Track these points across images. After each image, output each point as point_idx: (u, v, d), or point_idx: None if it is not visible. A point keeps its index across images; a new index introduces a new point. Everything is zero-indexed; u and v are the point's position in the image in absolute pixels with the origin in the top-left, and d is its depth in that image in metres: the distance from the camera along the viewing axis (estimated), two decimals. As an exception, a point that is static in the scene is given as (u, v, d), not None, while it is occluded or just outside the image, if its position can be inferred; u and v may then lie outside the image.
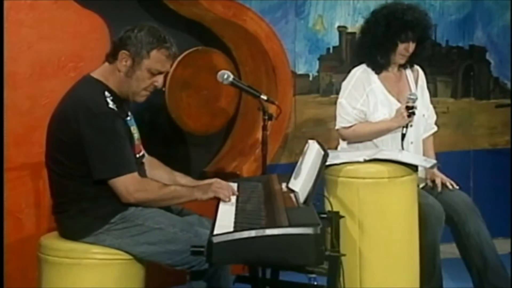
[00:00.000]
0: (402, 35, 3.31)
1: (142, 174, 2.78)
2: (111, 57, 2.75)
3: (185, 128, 3.97)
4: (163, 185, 2.74)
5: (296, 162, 2.86)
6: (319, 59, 4.36)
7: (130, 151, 2.69)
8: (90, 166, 2.63)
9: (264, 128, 3.19)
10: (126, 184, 2.62)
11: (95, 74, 2.77)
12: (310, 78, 4.37)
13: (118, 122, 2.67)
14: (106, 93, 2.69)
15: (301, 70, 4.32)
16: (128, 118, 2.80)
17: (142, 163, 2.87)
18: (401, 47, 3.34)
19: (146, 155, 2.95)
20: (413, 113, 3.28)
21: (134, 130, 2.81)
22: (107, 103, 2.66)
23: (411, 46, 3.35)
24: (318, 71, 4.37)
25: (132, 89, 2.74)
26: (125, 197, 2.63)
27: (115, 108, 2.68)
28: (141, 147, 2.87)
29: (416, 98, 3.31)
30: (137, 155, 2.79)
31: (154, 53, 2.71)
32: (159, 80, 2.75)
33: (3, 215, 3.20)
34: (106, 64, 2.77)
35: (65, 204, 2.72)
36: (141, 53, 2.70)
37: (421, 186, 3.38)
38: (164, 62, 2.74)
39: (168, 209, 2.84)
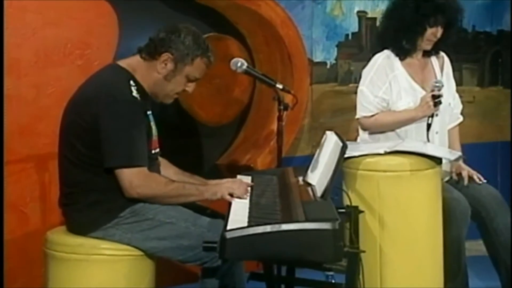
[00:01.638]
0: (431, 19, 3.30)
1: (154, 172, 2.79)
2: (147, 54, 2.78)
3: (197, 119, 3.99)
4: (170, 180, 2.76)
5: (313, 155, 2.87)
6: (337, 46, 4.36)
7: (144, 144, 2.71)
8: (102, 153, 2.65)
9: (280, 118, 3.19)
10: (131, 177, 2.65)
11: (123, 63, 2.80)
12: (328, 66, 4.37)
13: (139, 112, 2.69)
14: (131, 82, 2.73)
15: (318, 58, 4.32)
16: (149, 113, 2.82)
17: (157, 160, 2.89)
18: (429, 31, 3.33)
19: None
20: (440, 102, 3.27)
21: (153, 126, 2.83)
22: (131, 91, 2.69)
23: (439, 31, 3.34)
24: (336, 59, 4.37)
25: (166, 92, 2.80)
26: (127, 190, 2.66)
27: (138, 98, 2.71)
28: (157, 144, 2.89)
29: (442, 86, 3.30)
30: (153, 151, 2.82)
31: (197, 61, 2.78)
32: (191, 86, 2.84)
33: (2, 208, 3.22)
34: (138, 57, 2.80)
35: (74, 196, 2.75)
36: (185, 59, 2.76)
37: (445, 179, 3.38)
38: (204, 70, 2.83)
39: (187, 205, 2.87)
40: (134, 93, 2.70)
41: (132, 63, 2.80)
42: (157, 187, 2.70)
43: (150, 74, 2.77)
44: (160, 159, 2.99)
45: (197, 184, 2.83)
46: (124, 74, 2.75)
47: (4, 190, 3.26)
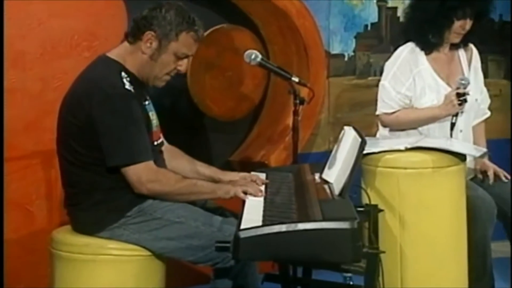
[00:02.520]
0: (459, 12, 3.25)
1: (160, 163, 2.79)
2: (132, 37, 2.76)
3: (209, 113, 3.98)
4: (181, 177, 2.74)
5: (330, 151, 2.86)
6: (355, 37, 4.34)
7: (146, 138, 2.70)
8: (103, 152, 2.65)
9: (295, 113, 3.19)
10: (138, 173, 2.63)
11: (112, 54, 2.78)
12: (346, 58, 4.35)
13: (135, 104, 2.68)
14: (123, 74, 2.71)
15: (335, 50, 4.30)
16: (146, 102, 2.81)
17: (161, 152, 2.88)
18: (457, 24, 3.28)
19: (166, 143, 2.97)
20: (465, 101, 3.23)
21: (153, 116, 2.82)
22: (123, 84, 2.67)
23: (468, 24, 3.30)
24: (354, 51, 4.35)
25: (155, 73, 2.76)
26: (137, 187, 2.65)
27: (132, 90, 2.69)
28: (160, 134, 2.88)
29: (468, 83, 3.26)
30: (155, 143, 2.80)
31: (183, 35, 2.72)
32: (183, 64, 2.77)
33: (2, 207, 3.23)
34: (125, 44, 2.79)
35: (78, 196, 2.75)
36: (169, 35, 2.71)
37: (469, 177, 3.35)
38: (192, 45, 2.76)
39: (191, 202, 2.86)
40: (127, 86, 2.68)
41: (121, 52, 2.77)
42: (167, 183, 2.68)
43: (137, 57, 2.74)
44: (171, 148, 2.99)
45: (209, 182, 2.82)
46: (114, 66, 2.73)
47: (6, 188, 3.27)
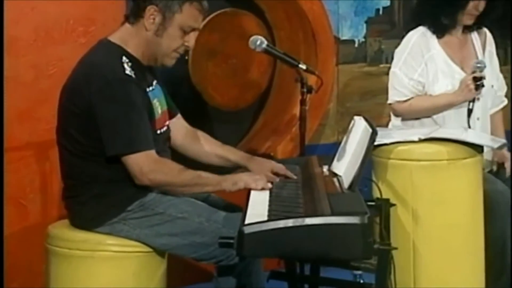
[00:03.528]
0: None
1: (165, 153, 2.81)
2: (133, 16, 2.76)
3: (211, 103, 4.00)
4: (184, 168, 2.75)
5: (339, 142, 2.87)
6: (366, 22, 4.34)
7: (147, 126, 2.71)
8: (102, 141, 2.66)
9: (303, 102, 3.20)
10: (139, 163, 2.64)
11: (113, 38, 2.79)
12: (356, 45, 4.35)
13: (135, 91, 2.69)
14: (124, 58, 2.72)
15: (345, 35, 4.31)
16: (151, 88, 2.82)
17: (168, 140, 2.88)
18: (470, 4, 3.30)
19: (187, 125, 2.98)
20: (482, 85, 3.25)
21: (157, 102, 2.83)
22: (124, 69, 2.69)
23: (481, 4, 3.31)
24: (365, 36, 4.36)
25: (163, 50, 2.76)
26: (138, 177, 2.66)
27: (133, 75, 2.70)
28: (166, 121, 2.88)
29: (485, 66, 3.27)
30: (158, 131, 2.81)
31: (186, 6, 2.72)
32: (190, 39, 2.77)
33: (2, 205, 3.25)
34: (126, 25, 2.79)
35: (77, 188, 2.76)
36: (172, 7, 2.71)
37: (487, 170, 3.37)
38: (197, 17, 2.75)
39: (193, 196, 2.88)
40: (128, 71, 2.69)
41: (123, 34, 2.78)
42: (170, 173, 2.69)
43: (141, 36, 2.74)
44: (193, 131, 3.01)
45: (214, 174, 2.83)
46: (115, 50, 2.74)
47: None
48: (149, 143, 2.69)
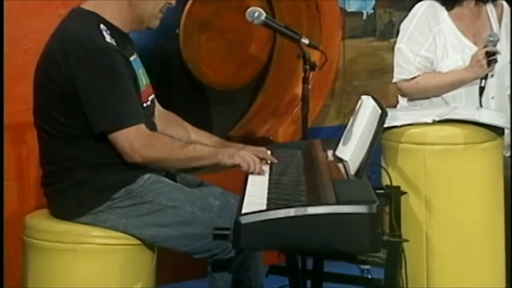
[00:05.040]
0: None
1: (151, 126, 2.82)
2: None
3: (205, 81, 4.00)
4: (177, 141, 2.78)
5: (346, 124, 2.88)
6: (375, -9, 4.35)
7: (135, 98, 2.73)
8: (88, 119, 2.67)
9: (305, 80, 3.20)
10: (130, 138, 2.66)
11: (87, 6, 2.80)
12: (364, 17, 4.35)
13: (119, 59, 2.70)
14: (102, 26, 2.73)
15: (352, 7, 4.31)
16: (133, 58, 2.83)
17: (152, 114, 2.90)
18: None
19: (159, 107, 2.99)
20: (495, 61, 3.26)
21: (141, 73, 2.85)
22: (104, 37, 2.70)
23: None
24: (374, 8, 4.36)
25: (149, 10, 2.79)
26: (129, 154, 2.68)
27: (114, 44, 2.72)
28: (151, 94, 2.90)
29: (498, 40, 3.28)
30: (144, 104, 2.83)
31: None
32: None
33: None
34: None
35: (58, 174, 2.77)
36: None
37: (507, 154, 3.38)
38: None
39: (185, 183, 2.90)
40: (108, 39, 2.70)
41: (97, 1, 2.78)
42: (163, 148, 2.71)
43: (118, 3, 2.75)
44: (167, 114, 3.03)
45: (210, 146, 2.84)
46: (91, 18, 2.75)
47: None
48: (139, 117, 2.71)
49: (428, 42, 3.36)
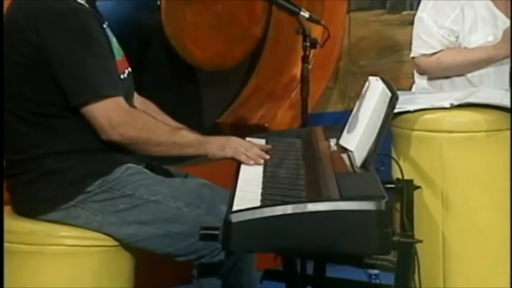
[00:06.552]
0: None
1: (130, 102, 2.82)
2: None
3: (190, 60, 4.00)
4: (160, 122, 2.79)
5: (351, 110, 2.89)
6: (386, -43, 4.36)
7: (113, 66, 2.74)
8: (61, 91, 2.67)
9: (305, 60, 3.21)
10: (108, 112, 2.67)
11: None
12: (373, -14, 4.36)
13: (94, 22, 2.71)
14: None
15: (359, -25, 4.32)
16: (105, 24, 2.84)
17: (130, 90, 2.89)
18: None
19: (135, 94, 3.00)
20: (529, 38, 3.27)
21: (115, 42, 2.85)
22: None
23: None
24: (384, -24, 4.37)
25: None
26: (106, 131, 2.68)
27: (87, 5, 2.72)
28: (127, 66, 2.91)
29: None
30: (122, 76, 2.83)
31: None
32: None
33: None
34: None
35: (24, 163, 2.77)
36: None
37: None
38: None
39: (168, 174, 2.90)
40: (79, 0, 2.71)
41: None
42: (144, 127, 2.72)
43: None
44: (143, 101, 3.03)
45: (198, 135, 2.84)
46: None
47: None
48: (117, 88, 2.72)
49: (454, 13, 3.37)
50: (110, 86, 2.69)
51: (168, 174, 2.94)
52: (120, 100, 2.71)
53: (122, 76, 2.84)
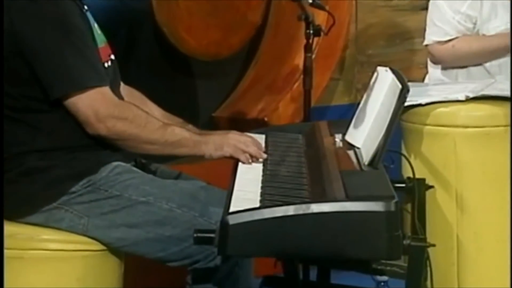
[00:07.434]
0: None
1: (117, 93, 2.82)
2: None
3: (183, 49, 4.01)
4: (152, 117, 2.79)
5: (358, 103, 2.89)
6: None
7: (95, 54, 2.74)
8: (40, 83, 2.66)
9: (308, 49, 3.21)
10: (94, 104, 2.67)
11: None
12: (381, -31, 4.37)
13: (72, 6, 2.71)
14: None
15: (366, -43, 4.33)
16: (86, 9, 2.84)
17: (115, 80, 2.89)
18: None
19: (121, 83, 3.00)
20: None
21: (97, 27, 2.85)
22: None
23: None
24: (393, -42, 4.37)
25: None
26: (93, 124, 2.68)
27: None
28: (110, 53, 2.91)
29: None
30: (106, 64, 2.84)
31: None
32: None
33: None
34: None
35: (4, 163, 2.76)
36: None
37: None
38: None
39: (160, 173, 2.90)
40: None
41: None
42: (134, 122, 2.72)
43: None
44: (131, 91, 3.03)
45: (194, 133, 2.83)
46: None
47: None
48: (102, 77, 2.72)
49: None
50: (94, 76, 2.69)
51: (159, 173, 2.94)
52: (107, 90, 2.71)
53: (106, 65, 2.84)
